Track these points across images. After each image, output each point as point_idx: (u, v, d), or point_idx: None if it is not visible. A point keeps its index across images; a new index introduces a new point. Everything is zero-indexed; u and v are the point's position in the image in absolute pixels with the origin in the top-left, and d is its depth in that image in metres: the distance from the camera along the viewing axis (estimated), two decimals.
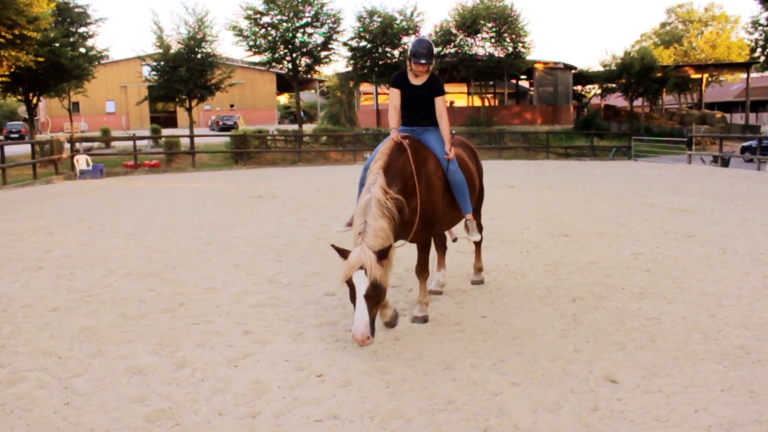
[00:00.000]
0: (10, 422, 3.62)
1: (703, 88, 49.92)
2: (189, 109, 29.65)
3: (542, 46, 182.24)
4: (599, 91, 46.58)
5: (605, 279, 6.72)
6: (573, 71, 45.67)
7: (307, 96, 68.45)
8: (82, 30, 29.67)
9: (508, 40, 37.37)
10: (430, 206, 5.17)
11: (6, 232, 10.00)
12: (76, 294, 6.31)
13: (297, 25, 31.75)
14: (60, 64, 24.83)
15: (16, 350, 4.76)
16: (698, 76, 47.60)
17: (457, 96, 55.18)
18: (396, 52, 33.48)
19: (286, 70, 33.79)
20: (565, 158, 29.99)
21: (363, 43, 33.79)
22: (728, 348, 4.64)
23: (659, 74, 38.41)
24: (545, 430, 3.50)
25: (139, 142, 26.66)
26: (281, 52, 32.27)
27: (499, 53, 38.00)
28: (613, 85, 41.90)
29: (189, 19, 28.49)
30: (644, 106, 43.84)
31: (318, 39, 32.72)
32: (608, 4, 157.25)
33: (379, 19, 33.16)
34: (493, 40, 37.59)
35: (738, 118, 52.25)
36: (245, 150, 27.21)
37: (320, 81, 53.08)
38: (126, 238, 9.34)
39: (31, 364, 4.45)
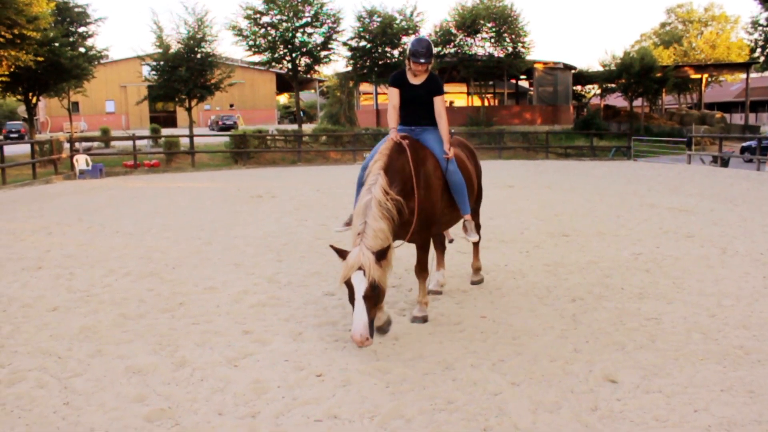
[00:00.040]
0: (9, 422, 3.62)
1: (703, 88, 49.92)
2: (189, 109, 29.64)
3: (542, 46, 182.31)
4: (599, 91, 46.58)
5: (605, 279, 6.72)
6: (573, 71, 45.68)
7: (307, 96, 68.45)
8: (81, 30, 29.66)
9: (507, 40, 37.38)
10: (428, 206, 5.16)
11: (5, 232, 10.00)
12: (75, 294, 6.31)
13: (297, 24, 31.74)
14: (59, 63, 24.81)
15: (16, 350, 4.75)
16: (698, 76, 47.61)
17: (456, 96, 55.20)
18: (396, 52, 33.47)
19: (286, 69, 33.79)
20: (564, 158, 29.99)
21: (363, 43, 33.79)
22: (728, 348, 4.64)
23: (659, 74, 38.40)
24: (545, 430, 3.50)
25: (138, 142, 26.64)
26: (281, 52, 32.27)
27: (498, 53, 38.00)
28: (613, 85, 41.90)
29: (189, 19, 28.49)
30: (644, 106, 43.84)
31: (318, 39, 32.73)
32: (608, 4, 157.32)
33: (378, 19, 33.16)
34: (492, 40, 37.59)
35: (737, 119, 52.28)
36: (245, 150, 27.21)
37: (320, 81, 53.10)
38: (125, 238, 9.33)
39: (30, 364, 4.45)
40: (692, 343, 4.78)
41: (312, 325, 5.30)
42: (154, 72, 29.39)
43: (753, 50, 40.74)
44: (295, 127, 36.98)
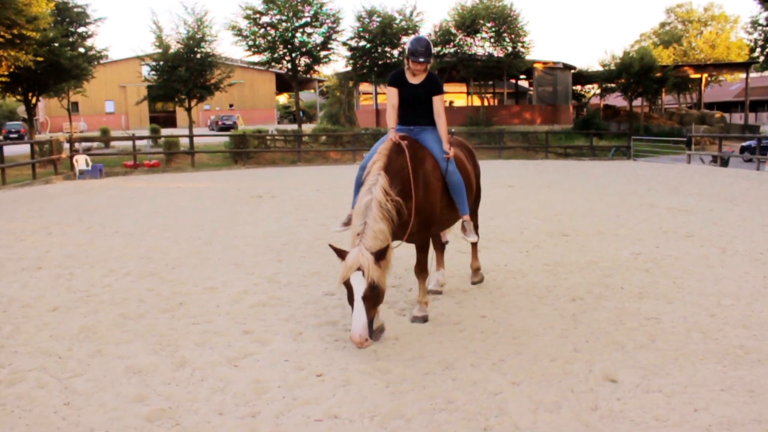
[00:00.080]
0: (10, 422, 3.62)
1: (703, 88, 49.93)
2: (188, 109, 29.64)
3: (542, 46, 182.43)
4: (598, 91, 46.59)
5: (605, 279, 6.72)
6: (572, 71, 45.69)
7: (307, 96, 68.44)
8: (81, 30, 29.67)
9: (507, 39, 37.39)
10: (428, 207, 5.15)
11: (5, 232, 10.00)
12: (75, 294, 6.31)
13: (296, 24, 31.75)
14: (59, 63, 24.81)
15: (16, 350, 4.75)
16: (697, 76, 47.63)
17: (456, 96, 55.21)
18: (395, 52, 33.48)
19: (286, 69, 33.80)
20: (564, 158, 29.99)
21: (362, 43, 33.80)
22: (728, 348, 4.65)
23: (658, 74, 38.42)
24: (545, 430, 3.50)
25: (138, 142, 26.63)
26: (280, 52, 32.27)
27: (498, 53, 38.02)
28: (613, 85, 41.91)
29: (188, 19, 28.51)
30: (643, 106, 43.84)
31: (317, 39, 32.74)
32: (608, 4, 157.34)
33: (378, 19, 33.17)
34: (492, 40, 37.61)
35: (737, 118, 52.27)
36: (244, 150, 27.20)
37: (319, 81, 53.13)
38: (125, 238, 9.33)
39: (30, 364, 4.45)
40: (692, 342, 4.79)
41: (312, 325, 5.30)
42: (153, 72, 29.39)
43: (752, 50, 40.79)
44: (294, 127, 36.98)
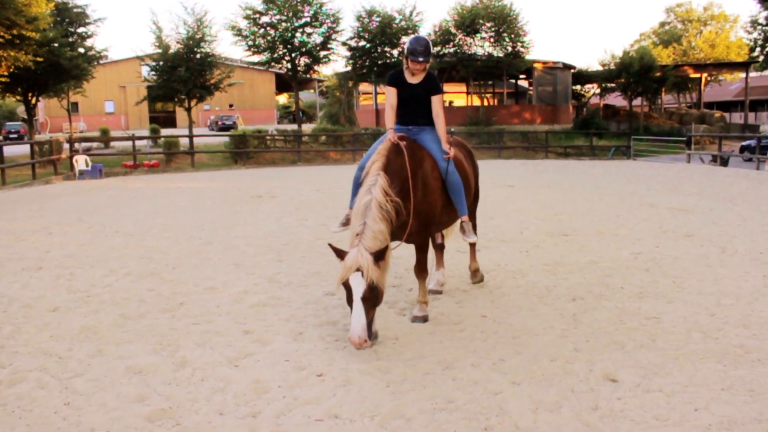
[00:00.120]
0: (10, 422, 3.63)
1: (702, 87, 49.93)
2: (188, 109, 29.64)
3: (541, 46, 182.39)
4: (598, 91, 46.60)
5: (605, 278, 6.72)
6: (572, 71, 45.69)
7: (306, 96, 68.44)
8: (81, 30, 29.67)
9: (507, 39, 37.39)
10: (427, 207, 5.14)
11: (6, 232, 10.00)
12: (76, 294, 6.31)
13: (296, 24, 31.77)
14: (59, 64, 24.81)
15: (16, 350, 4.76)
16: (697, 75, 47.63)
17: (456, 96, 55.20)
18: (395, 52, 33.50)
19: (285, 69, 33.80)
20: (564, 158, 30.00)
21: (362, 43, 33.81)
22: (728, 347, 4.65)
23: (658, 74, 38.44)
24: (545, 430, 3.50)
25: (138, 142, 26.63)
26: (280, 52, 32.29)
27: (498, 53, 38.01)
28: (612, 85, 41.94)
29: (188, 19, 28.53)
30: (643, 106, 43.86)
31: (317, 39, 32.76)
32: (608, 4, 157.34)
33: (378, 19, 33.17)
34: (492, 40, 37.61)
35: (737, 118, 52.28)
36: (244, 150, 27.20)
37: (319, 81, 53.11)
38: (126, 238, 9.33)
39: (31, 365, 4.46)
40: (692, 342, 4.79)
41: (312, 324, 5.30)
42: (153, 72, 29.40)
43: (752, 49, 40.81)
44: (294, 127, 36.98)
